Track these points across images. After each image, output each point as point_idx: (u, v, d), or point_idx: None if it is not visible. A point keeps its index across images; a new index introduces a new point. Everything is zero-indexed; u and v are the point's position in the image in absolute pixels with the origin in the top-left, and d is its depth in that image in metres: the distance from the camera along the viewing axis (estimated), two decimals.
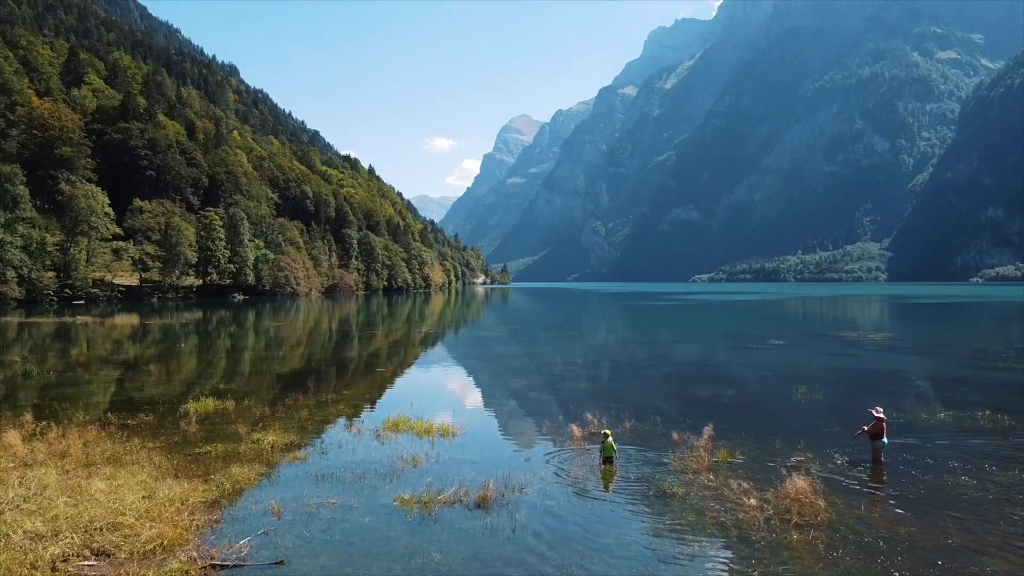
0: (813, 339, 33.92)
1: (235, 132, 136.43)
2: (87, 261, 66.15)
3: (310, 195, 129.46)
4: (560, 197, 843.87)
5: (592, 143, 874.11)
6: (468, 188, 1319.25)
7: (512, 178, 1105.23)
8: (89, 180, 73.01)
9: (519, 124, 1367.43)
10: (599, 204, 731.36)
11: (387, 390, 18.62)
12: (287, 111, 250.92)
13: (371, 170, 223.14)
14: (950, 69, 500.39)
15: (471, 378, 21.76)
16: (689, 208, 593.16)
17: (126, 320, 45.25)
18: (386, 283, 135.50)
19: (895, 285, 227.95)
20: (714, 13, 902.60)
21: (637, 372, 22.83)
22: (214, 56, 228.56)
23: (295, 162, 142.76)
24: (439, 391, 18.88)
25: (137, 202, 76.09)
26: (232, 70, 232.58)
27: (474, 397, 17.96)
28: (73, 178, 68.09)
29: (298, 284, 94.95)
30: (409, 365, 24.72)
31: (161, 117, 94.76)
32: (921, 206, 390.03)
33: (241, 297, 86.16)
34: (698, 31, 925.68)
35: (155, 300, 72.23)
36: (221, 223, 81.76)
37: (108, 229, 67.16)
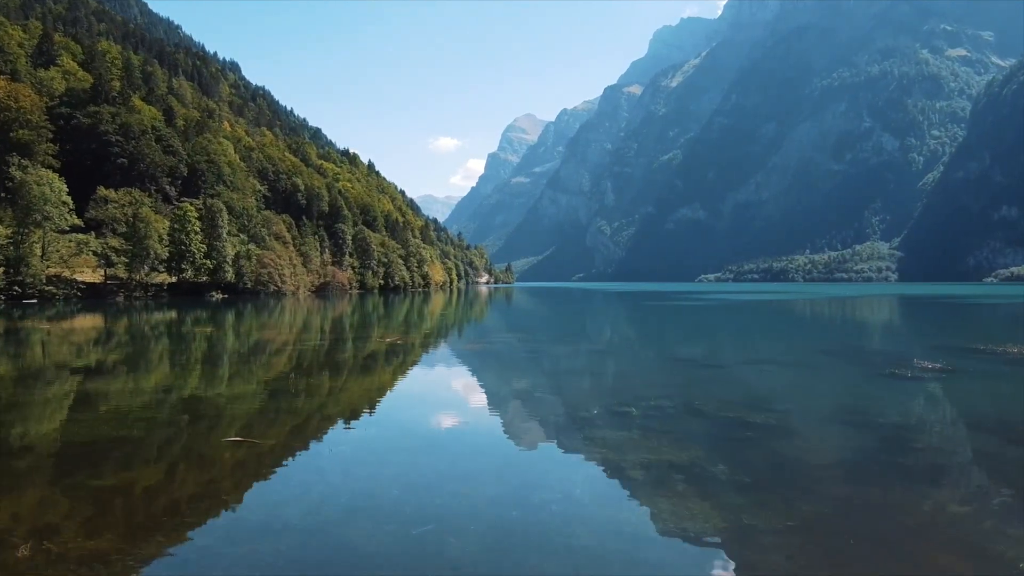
0: (974, 360, 19.61)
1: (226, 123, 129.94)
2: (42, 255, 59.49)
3: (302, 188, 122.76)
4: (565, 196, 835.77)
5: (597, 142, 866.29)
6: (472, 187, 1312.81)
7: (516, 177, 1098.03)
8: (51, 167, 66.32)
9: (523, 123, 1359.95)
10: (604, 203, 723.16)
11: (212, 511, 6.48)
12: (288, 108, 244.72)
13: (371, 165, 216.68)
14: (960, 67, 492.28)
15: (411, 467, 8.20)
16: (695, 207, 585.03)
17: (85, 323, 38.29)
18: (382, 281, 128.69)
19: (913, 285, 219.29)
20: (719, 12, 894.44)
21: (775, 447, 9.24)
22: (215, 52, 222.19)
23: (287, 154, 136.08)
24: (324, 522, 6.17)
25: (102, 191, 69.22)
26: (233, 66, 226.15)
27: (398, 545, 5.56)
28: (26, 163, 61.33)
29: (283, 282, 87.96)
30: (323, 423, 10.96)
31: (136, 101, 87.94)
32: (932, 205, 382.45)
33: (220, 296, 79.23)
34: (704, 30, 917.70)
35: (120, 299, 65.51)
36: (197, 215, 74.87)
37: (66, 220, 60.19)
